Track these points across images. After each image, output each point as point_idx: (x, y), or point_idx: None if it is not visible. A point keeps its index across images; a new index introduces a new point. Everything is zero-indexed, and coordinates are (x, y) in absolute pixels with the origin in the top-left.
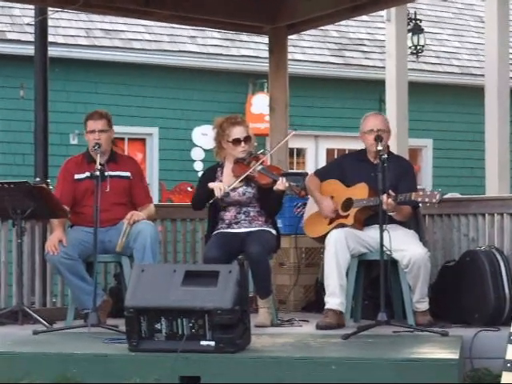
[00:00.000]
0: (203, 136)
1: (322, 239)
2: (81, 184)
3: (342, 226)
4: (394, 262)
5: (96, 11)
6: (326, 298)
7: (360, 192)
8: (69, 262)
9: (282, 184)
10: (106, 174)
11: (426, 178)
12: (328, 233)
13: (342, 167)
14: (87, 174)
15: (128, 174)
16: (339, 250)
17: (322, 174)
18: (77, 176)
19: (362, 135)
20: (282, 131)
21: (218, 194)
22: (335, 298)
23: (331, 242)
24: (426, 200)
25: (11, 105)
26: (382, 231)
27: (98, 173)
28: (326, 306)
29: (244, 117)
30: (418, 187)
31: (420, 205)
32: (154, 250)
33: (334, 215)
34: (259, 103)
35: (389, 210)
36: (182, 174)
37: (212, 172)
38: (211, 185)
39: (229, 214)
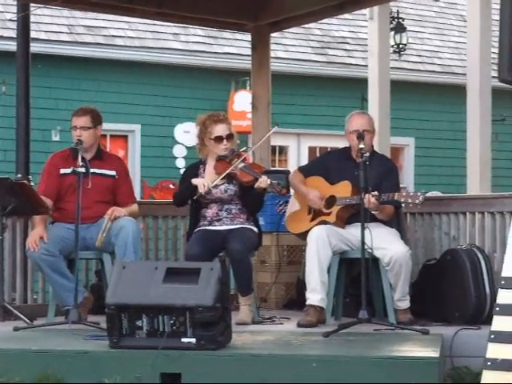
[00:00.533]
0: (185, 133)
1: (304, 235)
2: (66, 179)
3: (325, 223)
4: (376, 260)
5: (79, 7)
6: (308, 294)
7: (343, 190)
8: (50, 258)
9: (263, 182)
10: (90, 171)
11: (407, 177)
12: (310, 229)
13: (326, 165)
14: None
15: (113, 172)
16: (321, 246)
17: (306, 171)
18: (62, 170)
19: (347, 134)
20: (265, 129)
21: (201, 190)
22: (316, 294)
23: (313, 239)
24: (409, 201)
25: None
26: (363, 229)
27: (79, 169)
28: (307, 302)
29: (226, 114)
30: (401, 186)
31: (403, 205)
32: (136, 246)
33: (322, 203)
34: (241, 101)
35: (372, 208)
36: (164, 171)
37: (194, 169)
38: (195, 181)
39: (210, 212)
